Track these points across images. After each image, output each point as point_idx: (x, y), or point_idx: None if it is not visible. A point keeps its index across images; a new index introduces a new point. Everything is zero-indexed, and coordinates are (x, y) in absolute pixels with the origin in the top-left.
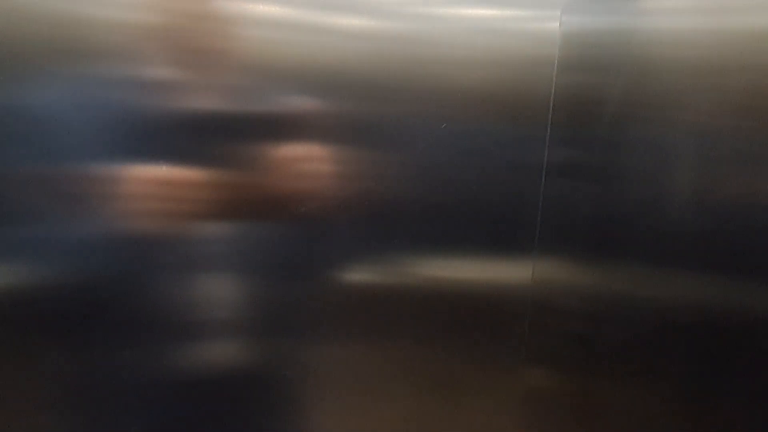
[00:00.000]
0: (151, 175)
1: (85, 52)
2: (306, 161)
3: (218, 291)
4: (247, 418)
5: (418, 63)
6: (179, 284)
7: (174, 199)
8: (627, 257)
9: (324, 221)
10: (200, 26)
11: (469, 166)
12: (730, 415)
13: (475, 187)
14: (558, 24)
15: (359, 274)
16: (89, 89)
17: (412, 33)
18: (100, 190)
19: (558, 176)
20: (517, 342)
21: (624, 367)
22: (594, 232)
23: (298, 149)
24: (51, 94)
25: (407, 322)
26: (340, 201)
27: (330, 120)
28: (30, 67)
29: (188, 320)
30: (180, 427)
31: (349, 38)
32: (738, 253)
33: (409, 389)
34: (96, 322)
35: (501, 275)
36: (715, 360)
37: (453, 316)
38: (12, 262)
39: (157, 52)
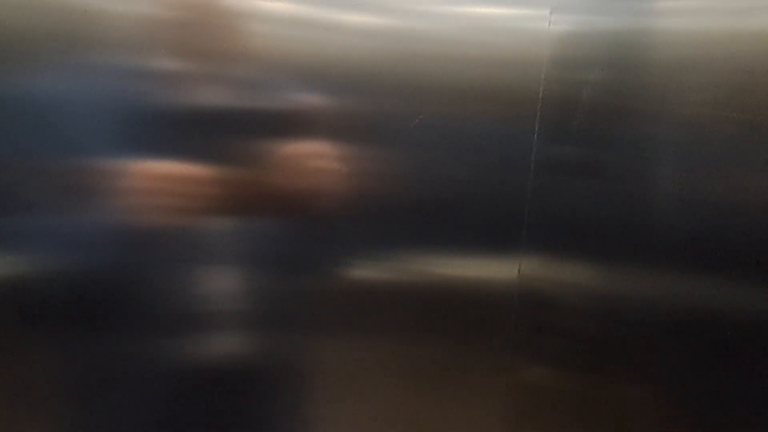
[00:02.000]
0: (157, 170)
1: (94, 45)
2: (311, 158)
3: (223, 286)
4: (249, 411)
5: (426, 61)
6: (185, 279)
7: (180, 194)
8: (614, 254)
9: (316, 218)
10: (209, 21)
11: (461, 163)
12: (721, 412)
13: (465, 183)
14: (547, 23)
15: (352, 271)
16: (97, 82)
17: (420, 31)
18: (107, 183)
19: (546, 173)
20: (503, 338)
21: (611, 363)
22: (581, 229)
23: (305, 146)
24: (60, 86)
25: (394, 318)
26: (334, 198)
27: (336, 117)
28: (39, 60)
29: (194, 315)
30: (183, 419)
31: (356, 35)
32: (726, 251)
33: (396, 382)
34: (102, 314)
35: (488, 271)
36: (700, 356)
37: (439, 311)
38: (18, 254)
39: (166, 47)
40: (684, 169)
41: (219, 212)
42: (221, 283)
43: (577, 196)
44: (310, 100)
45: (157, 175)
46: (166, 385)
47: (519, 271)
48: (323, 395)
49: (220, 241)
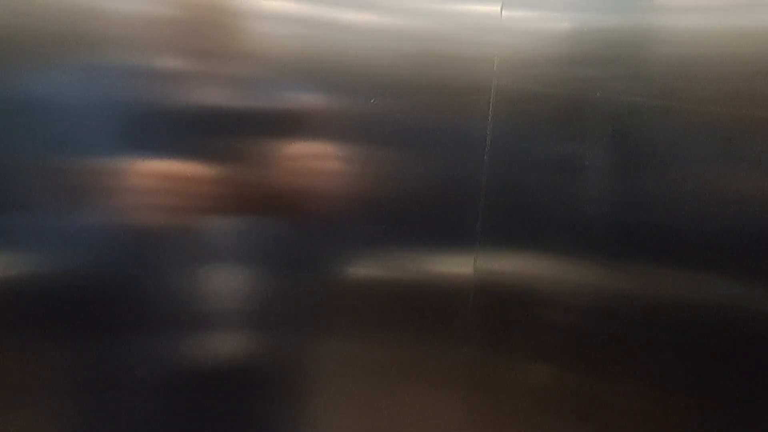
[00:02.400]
0: (157, 169)
1: (94, 45)
2: (311, 158)
3: (223, 285)
4: (248, 410)
5: (426, 59)
6: (185, 278)
7: (180, 194)
8: (568, 246)
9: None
10: (209, 20)
11: (414, 158)
12: (677, 407)
13: (418, 178)
14: (499, 18)
15: (317, 268)
16: (97, 82)
17: (421, 30)
18: (107, 182)
19: (500, 167)
20: (461, 333)
21: (569, 353)
22: (536, 223)
23: (305, 146)
24: (60, 86)
25: (351, 315)
26: (327, 198)
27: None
28: (39, 60)
29: (193, 314)
30: (184, 419)
31: (356, 34)
32: (669, 243)
33: (359, 375)
34: (101, 314)
35: (443, 265)
36: (666, 349)
37: (396, 307)
38: (18, 254)
39: (167, 46)
40: (634, 162)
41: (219, 212)
42: (221, 283)
43: (531, 190)
44: (310, 100)
45: (158, 174)
46: (167, 385)
47: (474, 265)
48: (302, 393)
49: (220, 240)
